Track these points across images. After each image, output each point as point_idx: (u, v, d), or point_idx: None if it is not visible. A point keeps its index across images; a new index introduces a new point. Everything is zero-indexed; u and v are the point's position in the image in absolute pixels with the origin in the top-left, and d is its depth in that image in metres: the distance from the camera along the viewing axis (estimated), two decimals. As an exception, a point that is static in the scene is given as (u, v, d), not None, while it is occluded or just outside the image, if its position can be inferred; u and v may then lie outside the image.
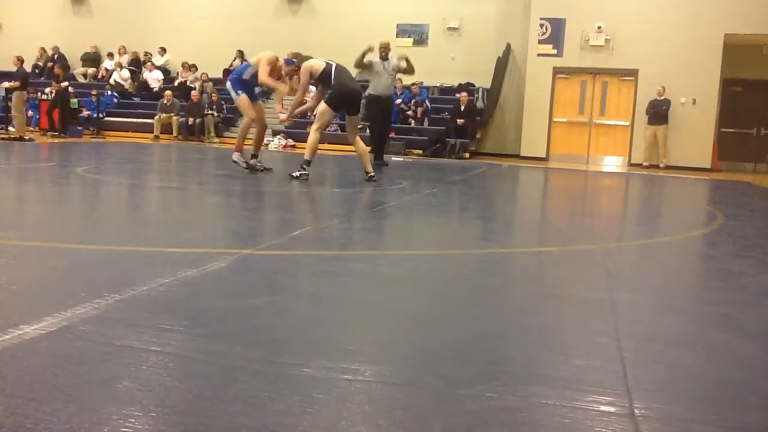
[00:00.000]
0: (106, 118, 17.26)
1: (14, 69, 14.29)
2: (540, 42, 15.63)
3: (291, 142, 15.42)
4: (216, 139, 16.32)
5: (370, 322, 2.58)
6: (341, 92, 7.60)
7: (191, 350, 2.09)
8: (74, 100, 16.48)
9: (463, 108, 15.26)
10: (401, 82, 15.79)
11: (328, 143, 15.79)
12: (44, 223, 4.63)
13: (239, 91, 8.14)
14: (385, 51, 10.33)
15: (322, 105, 7.72)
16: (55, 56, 19.14)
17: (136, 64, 18.98)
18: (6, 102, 14.19)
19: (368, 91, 10.67)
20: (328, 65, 7.69)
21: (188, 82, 17.88)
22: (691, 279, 3.94)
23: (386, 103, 10.52)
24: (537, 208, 7.85)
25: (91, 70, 19.44)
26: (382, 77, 10.36)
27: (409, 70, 10.54)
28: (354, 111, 7.91)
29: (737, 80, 15.57)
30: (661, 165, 14.94)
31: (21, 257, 3.36)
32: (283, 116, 8.21)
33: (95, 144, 14.29)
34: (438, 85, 17.15)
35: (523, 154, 15.88)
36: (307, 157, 7.54)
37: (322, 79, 7.67)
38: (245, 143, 8.43)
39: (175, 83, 18.06)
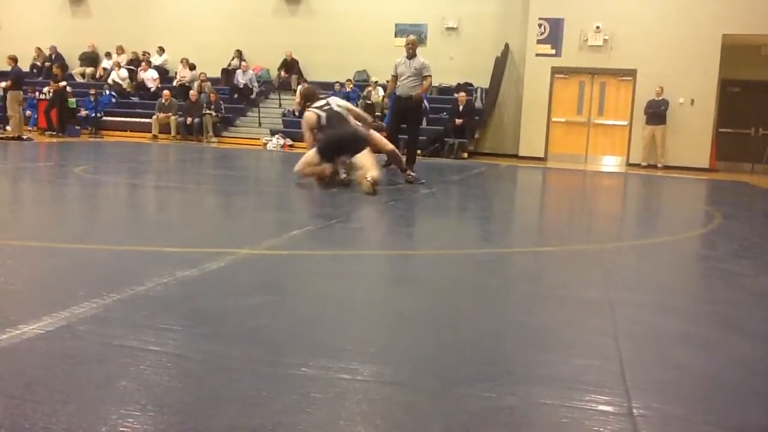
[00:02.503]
0: (104, 118, 17.25)
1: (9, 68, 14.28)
2: (538, 42, 15.63)
3: (289, 141, 15.42)
4: (214, 139, 16.32)
5: (368, 321, 2.58)
6: (325, 142, 7.23)
7: (190, 350, 2.09)
8: (72, 100, 16.48)
9: (461, 108, 15.26)
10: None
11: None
12: (42, 222, 4.62)
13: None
14: (411, 48, 9.70)
15: (312, 150, 7.36)
16: (53, 56, 19.13)
17: (135, 64, 18.96)
18: (3, 102, 14.17)
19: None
20: (319, 116, 7.41)
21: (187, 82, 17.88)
22: (689, 279, 3.95)
23: (407, 104, 9.68)
24: (536, 208, 7.86)
25: (89, 70, 19.43)
26: (402, 76, 9.70)
27: (425, 85, 9.72)
28: (351, 153, 7.26)
29: (735, 81, 15.58)
30: (660, 165, 14.95)
31: (19, 257, 3.36)
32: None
33: (93, 143, 14.27)
34: (436, 84, 17.14)
35: (521, 154, 15.89)
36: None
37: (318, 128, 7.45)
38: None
39: (174, 83, 18.06)
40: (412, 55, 9.58)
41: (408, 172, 8.34)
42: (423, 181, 8.26)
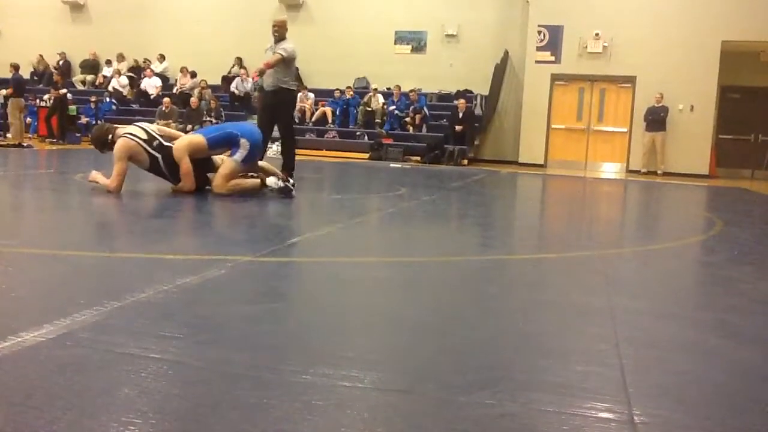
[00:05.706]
0: (105, 125, 17.27)
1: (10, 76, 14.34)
2: (538, 49, 15.68)
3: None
4: (215, 146, 16.31)
5: (369, 328, 2.58)
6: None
7: (191, 357, 2.09)
8: (73, 107, 16.53)
9: (461, 115, 15.31)
10: (351, 89, 15.78)
11: (326, 149, 15.85)
12: (43, 230, 4.62)
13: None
14: (276, 31, 7.87)
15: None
16: (61, 62, 19.20)
17: (135, 72, 19.01)
18: (4, 109, 14.22)
19: None
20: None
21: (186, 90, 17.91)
22: (689, 285, 3.95)
23: (267, 99, 7.87)
24: (536, 214, 7.86)
25: (89, 77, 19.49)
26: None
27: (271, 60, 7.69)
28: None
29: (735, 87, 15.62)
30: (659, 171, 14.97)
31: (20, 264, 3.36)
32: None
33: (93, 151, 14.25)
34: (436, 91, 17.20)
35: (521, 160, 15.91)
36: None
37: None
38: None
39: (175, 90, 18.08)
40: (278, 39, 7.81)
41: (284, 179, 6.76)
42: (292, 194, 6.64)
